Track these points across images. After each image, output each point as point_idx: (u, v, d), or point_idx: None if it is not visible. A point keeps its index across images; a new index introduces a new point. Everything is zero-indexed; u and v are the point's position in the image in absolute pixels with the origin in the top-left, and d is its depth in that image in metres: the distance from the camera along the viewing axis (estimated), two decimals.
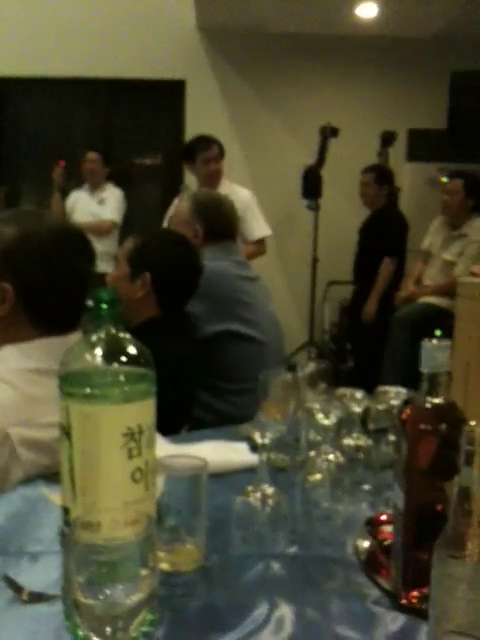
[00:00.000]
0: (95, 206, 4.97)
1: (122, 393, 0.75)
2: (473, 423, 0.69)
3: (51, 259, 1.29)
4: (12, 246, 1.28)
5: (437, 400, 0.83)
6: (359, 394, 1.20)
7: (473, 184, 4.30)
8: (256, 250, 3.88)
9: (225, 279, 2.32)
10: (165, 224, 3.66)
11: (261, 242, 3.92)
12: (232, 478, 1.18)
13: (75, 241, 1.36)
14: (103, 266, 4.34)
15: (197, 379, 2.06)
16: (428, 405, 0.83)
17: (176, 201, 4.05)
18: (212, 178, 3.81)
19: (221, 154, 3.86)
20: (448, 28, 5.18)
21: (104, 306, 0.77)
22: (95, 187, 5.00)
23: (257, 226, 3.85)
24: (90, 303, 1.01)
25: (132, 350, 0.78)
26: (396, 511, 0.86)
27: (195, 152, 3.87)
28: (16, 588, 0.85)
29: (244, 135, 5.42)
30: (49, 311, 1.31)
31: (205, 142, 3.89)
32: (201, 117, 5.47)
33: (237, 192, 3.79)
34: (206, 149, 3.84)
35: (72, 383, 0.76)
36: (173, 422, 1.73)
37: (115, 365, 0.77)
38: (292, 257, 5.44)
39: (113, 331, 0.77)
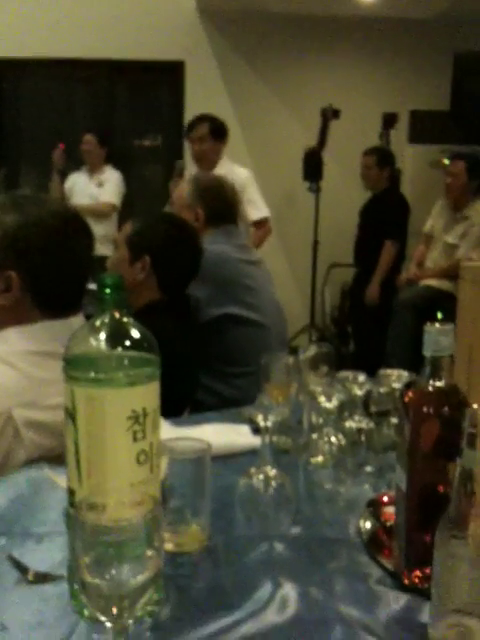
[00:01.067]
0: (94, 188, 4.96)
1: (127, 377, 0.75)
2: (475, 406, 0.70)
3: (54, 244, 1.30)
4: (15, 233, 1.28)
5: (440, 383, 0.84)
6: (361, 377, 1.21)
7: (476, 165, 4.28)
8: (262, 234, 3.83)
9: (227, 263, 2.32)
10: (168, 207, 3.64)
11: (263, 224, 3.86)
12: (235, 460, 1.19)
13: (75, 225, 1.37)
14: (103, 249, 4.33)
15: (199, 361, 2.07)
16: (431, 388, 0.84)
17: (172, 181, 4.00)
18: (200, 159, 3.73)
19: (213, 134, 3.72)
20: (451, 9, 5.12)
21: (108, 291, 0.77)
22: (94, 169, 4.99)
23: (253, 208, 3.74)
24: (92, 286, 1.02)
25: (136, 334, 0.78)
26: (399, 492, 0.87)
27: (188, 132, 3.83)
28: (22, 569, 0.86)
29: (244, 117, 5.38)
30: (53, 295, 1.32)
31: (194, 121, 3.81)
32: (201, 98, 5.43)
33: (235, 171, 3.72)
34: (192, 129, 3.77)
35: (77, 367, 0.76)
36: (175, 404, 1.73)
37: (119, 349, 0.78)
38: (293, 239, 5.43)
39: (117, 316, 0.78)
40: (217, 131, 3.74)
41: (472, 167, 4.27)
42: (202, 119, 3.79)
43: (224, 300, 2.27)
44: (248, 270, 2.40)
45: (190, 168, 4.00)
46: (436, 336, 0.83)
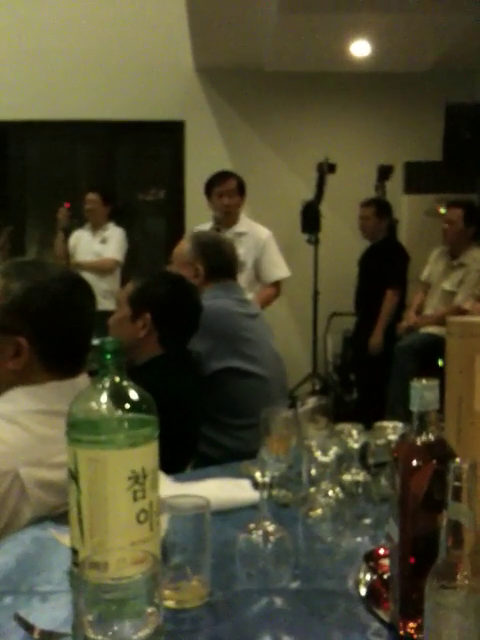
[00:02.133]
0: (97, 245, 5.05)
1: (127, 438, 0.79)
2: (458, 460, 0.73)
3: (60, 307, 1.34)
4: (22, 301, 1.32)
5: (428, 437, 0.87)
6: (355, 430, 1.24)
7: (472, 212, 4.37)
8: (272, 293, 3.82)
9: (226, 317, 2.37)
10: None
11: (277, 284, 3.86)
12: (236, 515, 1.21)
13: (79, 287, 1.42)
14: (106, 304, 4.40)
15: (201, 415, 2.09)
16: (419, 442, 0.87)
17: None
18: (227, 213, 3.73)
19: (239, 190, 3.77)
20: (441, 62, 5.29)
21: (108, 356, 0.81)
22: (97, 226, 5.08)
23: (274, 268, 3.78)
24: (96, 342, 1.06)
25: (135, 397, 0.82)
26: (392, 544, 0.89)
27: (212, 187, 3.82)
28: (27, 627, 0.88)
29: (243, 172, 5.44)
30: (60, 356, 1.36)
31: (221, 176, 3.84)
32: (201, 155, 5.57)
33: (256, 230, 3.78)
34: (220, 183, 3.78)
35: (79, 430, 0.80)
36: (178, 458, 1.76)
37: (119, 412, 0.81)
38: (294, 290, 5.48)
39: (117, 379, 0.82)
40: (242, 187, 3.80)
41: (468, 214, 4.36)
42: (228, 174, 3.85)
43: (225, 354, 2.31)
44: (248, 323, 2.44)
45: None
46: (421, 391, 0.86)
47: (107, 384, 0.81)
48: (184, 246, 2.54)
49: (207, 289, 2.39)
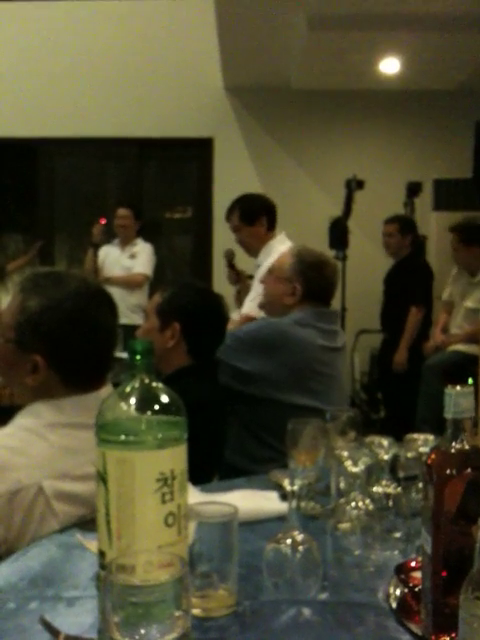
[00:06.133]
0: (126, 260, 5.09)
1: (156, 440, 0.78)
2: None
3: (77, 322, 1.32)
4: (38, 318, 1.30)
5: (462, 445, 0.85)
6: (386, 441, 1.22)
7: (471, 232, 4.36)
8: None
9: (303, 351, 2.24)
10: (257, 277, 3.19)
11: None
12: (263, 526, 1.20)
13: (96, 298, 1.38)
14: (135, 318, 4.43)
15: (227, 426, 2.08)
16: (453, 450, 0.85)
17: (229, 274, 3.67)
18: (242, 247, 3.42)
19: (245, 220, 3.31)
20: (470, 79, 5.28)
21: (138, 357, 0.81)
22: (126, 242, 5.12)
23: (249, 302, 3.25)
24: (123, 355, 1.05)
25: (165, 398, 0.81)
26: (425, 556, 0.87)
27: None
28: (53, 632, 0.87)
29: (271, 189, 5.49)
30: (80, 370, 1.34)
31: (227, 211, 3.43)
32: (229, 173, 5.61)
33: (268, 262, 3.12)
34: (227, 219, 3.42)
35: (109, 430, 0.80)
36: (205, 468, 1.75)
37: (149, 413, 0.81)
38: None
39: (146, 380, 0.81)
40: (246, 215, 3.32)
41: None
42: (233, 207, 3.40)
43: (291, 388, 2.20)
44: (326, 358, 2.30)
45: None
46: (456, 398, 0.84)
47: (137, 385, 0.81)
48: (286, 261, 2.39)
49: (297, 310, 2.28)
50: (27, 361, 1.31)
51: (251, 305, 3.12)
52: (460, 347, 4.21)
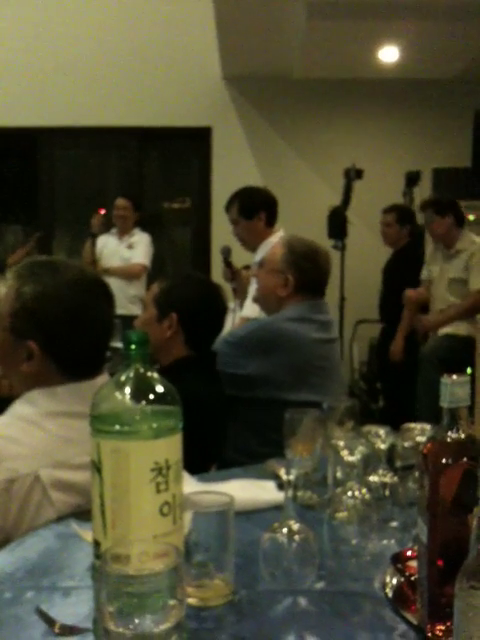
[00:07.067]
0: (124, 250, 5.08)
1: (150, 429, 0.78)
2: None
3: (73, 310, 1.32)
4: (33, 305, 1.30)
5: (458, 434, 0.85)
6: (382, 431, 1.22)
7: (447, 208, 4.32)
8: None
9: (302, 347, 2.21)
10: (252, 268, 3.09)
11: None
12: (259, 516, 1.20)
13: (93, 288, 1.38)
14: (134, 309, 4.42)
15: (226, 417, 2.07)
16: (449, 439, 0.85)
17: (224, 272, 3.54)
18: (240, 241, 3.30)
19: (243, 214, 3.20)
20: (470, 68, 5.25)
21: (133, 347, 0.81)
22: (124, 232, 5.11)
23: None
24: (118, 345, 1.05)
25: (159, 388, 0.81)
26: (420, 545, 0.87)
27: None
28: (49, 621, 0.87)
29: (270, 178, 5.51)
30: (76, 359, 1.34)
31: (226, 203, 3.31)
32: (228, 162, 5.59)
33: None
34: (226, 211, 3.31)
35: (103, 420, 0.79)
36: (202, 460, 1.75)
37: (143, 403, 0.80)
38: None
39: (141, 370, 0.81)
40: (246, 209, 3.20)
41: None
42: (233, 199, 3.27)
43: (299, 385, 2.17)
44: (323, 351, 2.29)
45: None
46: (452, 387, 0.84)
47: (131, 375, 0.80)
48: (277, 252, 2.34)
49: (291, 304, 2.26)
50: (22, 348, 1.31)
51: (252, 308, 2.99)
52: (449, 330, 4.14)
